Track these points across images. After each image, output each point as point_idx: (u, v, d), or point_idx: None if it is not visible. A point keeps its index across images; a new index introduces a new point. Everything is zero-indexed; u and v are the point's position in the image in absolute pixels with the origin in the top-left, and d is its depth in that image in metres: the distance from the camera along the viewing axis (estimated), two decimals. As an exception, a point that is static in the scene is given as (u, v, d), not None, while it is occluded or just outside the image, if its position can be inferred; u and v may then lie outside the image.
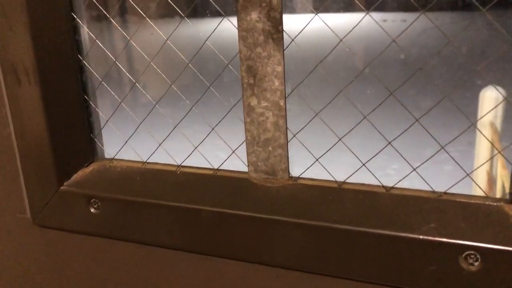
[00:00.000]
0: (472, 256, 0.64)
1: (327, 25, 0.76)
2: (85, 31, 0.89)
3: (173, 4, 0.89)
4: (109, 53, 0.93)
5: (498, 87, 4.11)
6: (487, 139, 3.46)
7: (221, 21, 0.82)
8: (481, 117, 3.51)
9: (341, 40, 0.72)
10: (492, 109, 3.56)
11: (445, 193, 0.73)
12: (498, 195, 3.46)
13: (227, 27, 0.85)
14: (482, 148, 3.82)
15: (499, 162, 3.40)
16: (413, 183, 0.82)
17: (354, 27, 0.70)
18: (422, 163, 0.74)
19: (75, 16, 0.87)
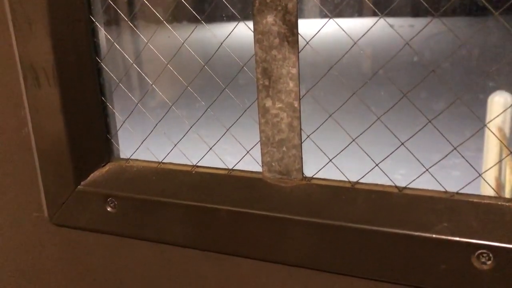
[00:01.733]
0: (485, 255, 0.65)
1: (342, 29, 0.78)
2: (103, 34, 0.91)
3: (190, 9, 0.90)
4: (126, 56, 0.95)
5: (506, 93, 4.10)
6: (498, 139, 3.45)
7: (237, 25, 0.84)
8: (490, 121, 3.50)
9: (355, 43, 0.74)
10: (501, 113, 3.55)
11: (457, 193, 0.74)
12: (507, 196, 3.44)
13: (243, 31, 0.87)
14: (491, 153, 3.81)
15: (508, 167, 3.40)
16: (424, 185, 0.83)
17: (369, 29, 0.71)
18: (434, 164, 0.75)
19: (94, 19, 0.89)
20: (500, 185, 3.72)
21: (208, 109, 0.86)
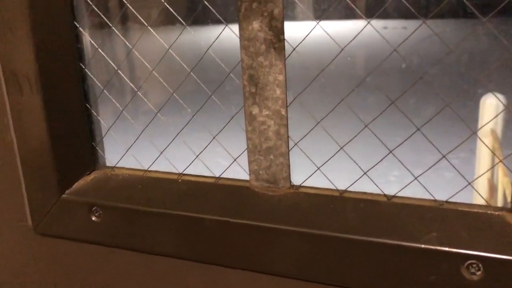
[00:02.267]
0: (474, 266, 0.64)
1: (328, 34, 0.77)
2: (87, 40, 0.90)
3: (175, 14, 0.89)
4: (111, 62, 0.93)
5: (498, 94, 4.11)
6: (489, 149, 3.46)
7: (222, 30, 0.82)
8: (482, 126, 3.51)
9: (342, 49, 0.72)
10: (493, 118, 3.56)
11: (446, 202, 0.72)
12: (499, 202, 3.45)
13: (229, 35, 0.85)
14: (483, 155, 3.81)
15: (500, 169, 3.40)
16: (414, 190, 0.82)
17: (355, 36, 0.70)
18: (423, 172, 0.74)
19: (77, 25, 0.88)
20: (492, 187, 3.73)
21: (195, 115, 0.84)
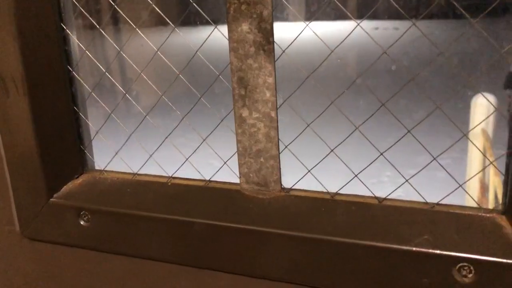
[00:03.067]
0: (466, 268, 0.64)
1: (318, 36, 0.76)
2: (75, 41, 0.89)
3: (163, 16, 0.88)
4: (98, 64, 0.92)
5: (489, 95, 4.13)
6: (480, 151, 3.47)
7: (211, 32, 0.81)
8: (473, 128, 3.52)
9: (332, 51, 0.72)
10: (485, 119, 3.58)
11: (438, 204, 0.72)
12: (491, 202, 3.46)
13: (219, 36, 0.85)
14: (475, 155, 3.83)
15: (492, 169, 3.41)
16: (407, 191, 0.82)
17: (345, 38, 0.70)
18: (415, 174, 0.74)
19: (65, 27, 0.87)
20: (484, 187, 3.74)
21: (185, 118, 0.83)
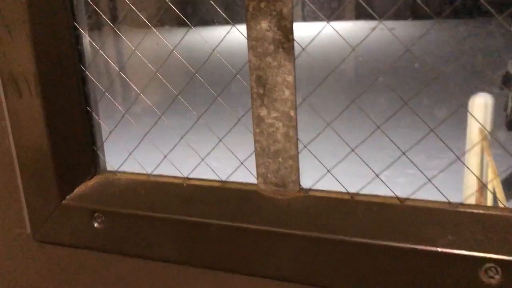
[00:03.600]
0: (492, 269, 0.63)
1: (341, 36, 0.75)
2: (87, 41, 0.87)
3: (181, 15, 0.87)
4: (113, 64, 0.91)
5: (487, 94, 4.13)
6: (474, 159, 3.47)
7: (229, 30, 0.80)
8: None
9: (353, 49, 0.71)
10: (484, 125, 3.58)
11: (461, 204, 0.71)
12: (489, 200, 3.47)
13: (235, 36, 0.84)
14: (473, 155, 3.83)
15: (490, 167, 3.42)
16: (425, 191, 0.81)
17: (367, 36, 0.69)
18: (436, 175, 0.73)
19: (77, 26, 0.85)
20: (482, 186, 3.75)
21: (201, 118, 0.82)
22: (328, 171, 0.76)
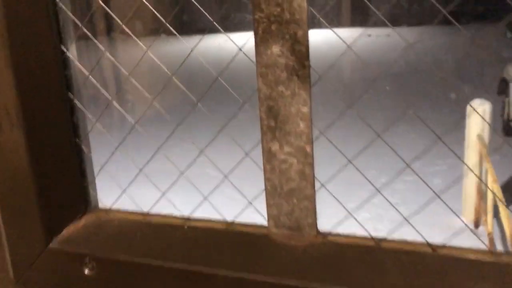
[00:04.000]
0: None
1: (353, 51, 0.66)
2: (76, 66, 0.78)
3: (168, 25, 0.78)
4: (105, 93, 0.82)
5: (485, 101, 4.08)
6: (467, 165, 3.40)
7: (242, 39, 0.72)
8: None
9: (377, 76, 0.62)
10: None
11: (507, 253, 0.63)
12: (489, 209, 3.40)
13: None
14: (471, 162, 3.78)
15: (489, 175, 3.35)
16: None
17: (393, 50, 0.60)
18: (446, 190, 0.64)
19: (65, 50, 0.76)
20: (481, 193, 3.68)
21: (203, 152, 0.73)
22: (350, 213, 0.68)
